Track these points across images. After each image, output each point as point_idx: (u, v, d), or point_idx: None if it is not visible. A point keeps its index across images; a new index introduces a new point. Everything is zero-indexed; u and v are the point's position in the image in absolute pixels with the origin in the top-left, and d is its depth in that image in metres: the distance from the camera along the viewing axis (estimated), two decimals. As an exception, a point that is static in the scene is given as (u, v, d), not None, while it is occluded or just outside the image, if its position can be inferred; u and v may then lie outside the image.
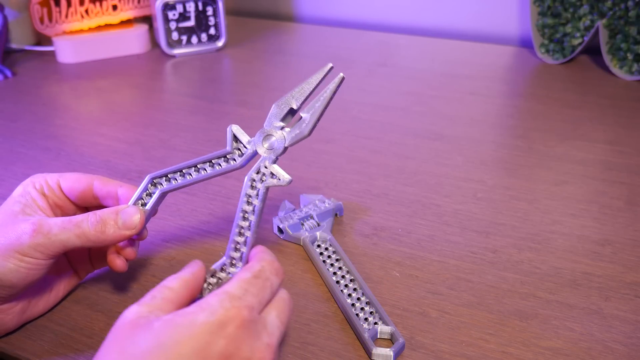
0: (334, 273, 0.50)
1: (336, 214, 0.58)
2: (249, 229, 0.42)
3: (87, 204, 0.47)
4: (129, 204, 0.44)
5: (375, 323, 0.45)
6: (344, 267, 0.51)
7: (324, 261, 0.51)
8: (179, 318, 0.33)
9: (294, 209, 0.58)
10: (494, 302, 0.48)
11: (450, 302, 0.48)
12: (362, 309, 0.46)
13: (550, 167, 0.67)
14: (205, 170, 0.43)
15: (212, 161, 0.43)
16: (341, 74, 0.41)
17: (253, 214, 0.42)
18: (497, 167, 0.67)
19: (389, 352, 0.42)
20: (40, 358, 0.43)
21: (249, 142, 0.42)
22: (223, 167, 0.43)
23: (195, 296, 0.39)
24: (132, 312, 0.35)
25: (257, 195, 0.42)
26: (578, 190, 0.62)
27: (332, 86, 0.41)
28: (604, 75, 0.93)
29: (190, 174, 0.44)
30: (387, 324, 0.44)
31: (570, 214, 0.58)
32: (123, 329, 0.34)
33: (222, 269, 0.42)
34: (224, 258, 0.42)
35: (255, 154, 0.42)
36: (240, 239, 0.42)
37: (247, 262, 0.42)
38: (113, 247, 0.46)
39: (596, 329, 0.45)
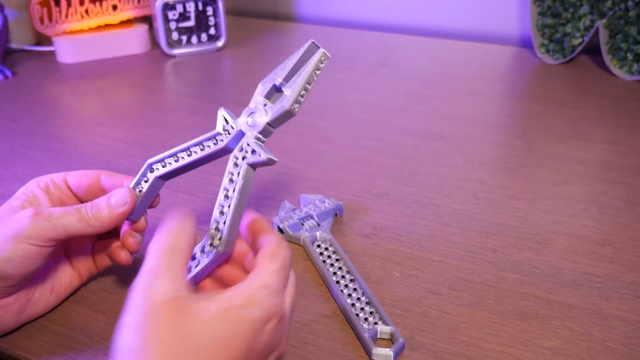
0: (334, 273, 0.50)
1: (336, 214, 0.58)
2: (229, 207, 0.40)
3: (93, 198, 0.47)
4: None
5: (375, 323, 0.45)
6: (344, 267, 0.51)
7: (324, 261, 0.51)
8: (231, 313, 0.33)
9: (294, 209, 0.58)
10: (494, 302, 0.48)
11: (450, 302, 0.48)
12: (362, 309, 0.46)
13: (550, 167, 0.67)
14: (197, 152, 0.44)
15: (203, 144, 0.44)
16: (318, 46, 0.40)
17: (234, 191, 0.41)
18: (497, 167, 0.67)
19: (389, 352, 0.42)
20: (40, 358, 0.43)
21: (234, 122, 0.43)
22: (212, 148, 0.43)
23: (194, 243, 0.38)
24: (159, 292, 0.33)
25: (239, 173, 0.41)
26: (578, 190, 0.62)
27: (312, 61, 0.40)
28: (604, 75, 0.93)
29: (183, 158, 0.44)
30: (387, 324, 0.44)
31: (570, 214, 0.58)
32: (159, 313, 0.32)
33: (202, 251, 0.41)
34: (204, 240, 0.41)
35: (241, 133, 0.42)
36: (221, 218, 0.41)
37: (228, 240, 0.40)
38: (117, 242, 0.46)
39: (596, 329, 0.45)
